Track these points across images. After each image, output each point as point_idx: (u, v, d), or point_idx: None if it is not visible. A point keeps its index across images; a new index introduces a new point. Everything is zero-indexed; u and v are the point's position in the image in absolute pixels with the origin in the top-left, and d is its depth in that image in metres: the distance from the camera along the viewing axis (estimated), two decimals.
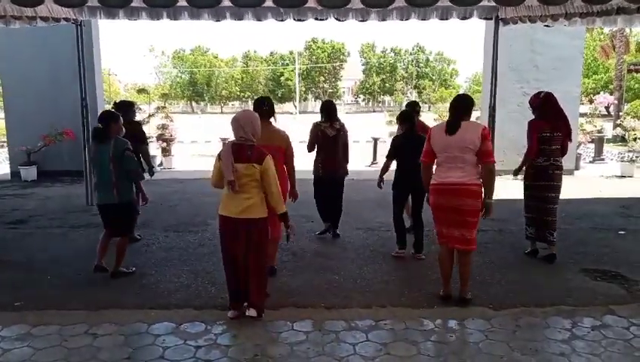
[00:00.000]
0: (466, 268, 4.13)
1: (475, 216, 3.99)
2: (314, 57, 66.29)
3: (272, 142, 4.49)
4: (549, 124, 5.11)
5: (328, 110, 5.94)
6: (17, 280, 4.70)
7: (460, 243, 4.06)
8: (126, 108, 5.96)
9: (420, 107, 6.73)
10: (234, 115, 3.89)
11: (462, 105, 4.08)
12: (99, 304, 4.13)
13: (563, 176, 5.23)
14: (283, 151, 4.69)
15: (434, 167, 4.19)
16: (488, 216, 4.06)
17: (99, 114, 5.07)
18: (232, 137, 3.86)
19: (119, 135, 4.73)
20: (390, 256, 5.43)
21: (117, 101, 6.40)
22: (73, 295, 4.37)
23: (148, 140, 6.60)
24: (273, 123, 4.74)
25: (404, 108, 6.83)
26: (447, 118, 4.14)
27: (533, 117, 5.25)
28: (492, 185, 4.03)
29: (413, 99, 8.51)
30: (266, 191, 3.74)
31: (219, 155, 3.79)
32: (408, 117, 5.48)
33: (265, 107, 4.66)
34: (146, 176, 5.58)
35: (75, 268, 5.01)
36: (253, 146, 3.73)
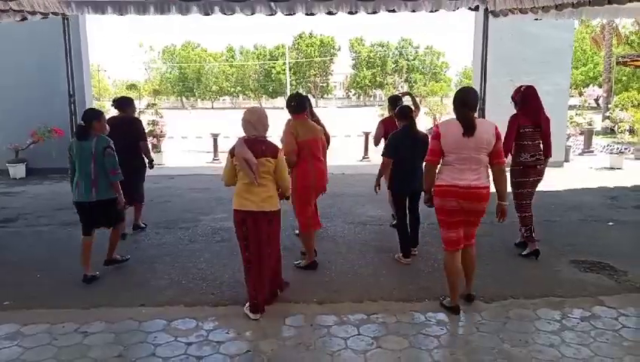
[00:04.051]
0: (473, 261, 3.96)
1: (482, 215, 3.83)
2: (302, 52, 66.09)
3: (316, 134, 4.73)
4: (530, 119, 4.91)
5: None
6: (6, 279, 4.65)
7: (466, 240, 3.89)
8: (126, 104, 6.02)
9: (402, 100, 6.38)
10: (242, 114, 3.93)
11: (474, 102, 3.75)
12: (89, 302, 4.10)
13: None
14: (324, 144, 4.90)
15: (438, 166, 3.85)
16: (503, 220, 3.90)
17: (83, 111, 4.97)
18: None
19: (103, 133, 4.62)
20: (381, 250, 5.42)
21: (116, 98, 6.34)
22: (63, 293, 4.34)
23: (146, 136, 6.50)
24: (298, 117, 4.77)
25: (392, 98, 6.52)
26: (452, 114, 3.81)
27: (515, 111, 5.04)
28: (505, 187, 3.86)
29: (396, 93, 8.13)
30: (279, 179, 3.89)
31: (231, 153, 3.83)
32: (406, 113, 5.07)
33: (292, 103, 4.75)
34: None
35: (64, 266, 4.96)
36: (266, 141, 3.86)
